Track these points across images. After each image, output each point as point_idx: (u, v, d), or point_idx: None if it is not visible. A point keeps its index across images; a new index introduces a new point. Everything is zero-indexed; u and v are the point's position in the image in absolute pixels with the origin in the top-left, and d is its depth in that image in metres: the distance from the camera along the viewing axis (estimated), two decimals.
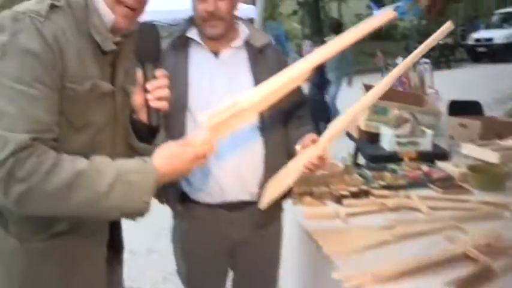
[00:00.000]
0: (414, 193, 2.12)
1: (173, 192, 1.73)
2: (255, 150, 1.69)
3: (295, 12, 22.88)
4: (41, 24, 1.08)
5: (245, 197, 1.70)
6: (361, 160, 4.20)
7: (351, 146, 3.87)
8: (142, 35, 1.32)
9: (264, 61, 1.73)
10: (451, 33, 18.81)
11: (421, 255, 1.57)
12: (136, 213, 1.13)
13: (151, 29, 1.36)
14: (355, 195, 2.09)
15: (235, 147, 1.65)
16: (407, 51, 11.75)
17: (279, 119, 1.74)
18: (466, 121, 3.73)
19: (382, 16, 1.38)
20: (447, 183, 2.28)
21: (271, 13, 20.66)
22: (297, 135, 1.71)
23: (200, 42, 1.71)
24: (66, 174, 1.04)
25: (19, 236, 1.15)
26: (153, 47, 1.32)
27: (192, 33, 1.72)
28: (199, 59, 1.71)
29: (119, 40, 1.22)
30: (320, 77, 6.19)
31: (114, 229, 1.34)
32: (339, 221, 1.88)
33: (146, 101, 1.25)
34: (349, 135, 4.02)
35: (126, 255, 1.45)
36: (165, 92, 1.25)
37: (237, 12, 1.72)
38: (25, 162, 1.02)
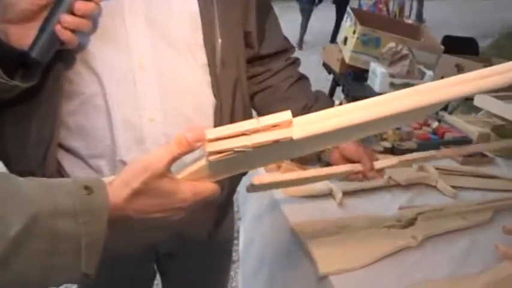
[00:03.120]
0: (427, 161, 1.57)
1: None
2: (203, 104, 0.99)
3: None
4: None
5: None
6: (337, 96, 3.65)
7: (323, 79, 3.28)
8: None
9: None
10: None
11: (459, 273, 1.04)
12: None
13: None
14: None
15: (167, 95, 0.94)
16: None
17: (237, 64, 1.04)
18: (465, 62, 3.16)
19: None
20: (465, 149, 1.74)
21: None
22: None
23: None
24: None
25: None
26: None
27: None
28: None
29: None
30: None
31: None
32: (332, 203, 1.32)
33: (45, 21, 0.77)
34: (326, 66, 3.42)
35: None
36: (86, 24, 0.79)
37: None
38: None
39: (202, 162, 0.59)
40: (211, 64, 0.97)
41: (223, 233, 1.20)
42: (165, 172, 0.59)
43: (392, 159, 1.25)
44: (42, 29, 0.77)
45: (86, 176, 0.94)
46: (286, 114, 0.56)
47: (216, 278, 1.26)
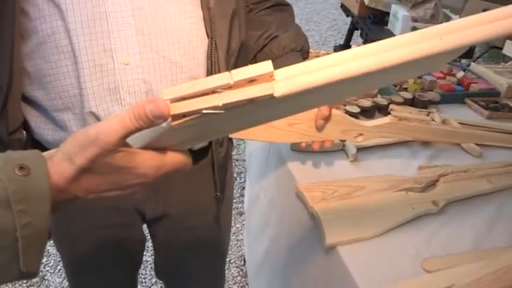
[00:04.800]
0: (451, 114, 1.43)
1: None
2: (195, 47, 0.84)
3: None
4: None
5: None
6: (355, 42, 3.45)
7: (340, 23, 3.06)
8: None
9: None
10: None
11: (484, 245, 0.93)
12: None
13: None
14: (368, 113, 1.38)
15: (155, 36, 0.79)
16: None
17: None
18: (494, 7, 2.89)
19: None
20: (491, 102, 1.59)
21: None
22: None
23: None
24: None
25: None
26: None
27: None
28: None
29: None
30: None
31: None
32: (344, 160, 1.19)
33: None
34: (344, 8, 3.21)
35: None
36: None
37: None
38: None
39: (164, 127, 0.46)
40: None
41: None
42: (118, 147, 0.47)
43: (385, 119, 1.12)
44: None
45: (52, 133, 0.82)
46: (266, 66, 0.42)
47: (212, 241, 1.15)
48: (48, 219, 0.44)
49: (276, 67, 0.42)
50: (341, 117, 1.02)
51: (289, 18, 1.05)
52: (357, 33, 3.15)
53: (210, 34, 0.83)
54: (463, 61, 2.00)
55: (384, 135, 1.14)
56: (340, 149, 1.22)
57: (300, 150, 1.20)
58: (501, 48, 2.16)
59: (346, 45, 3.27)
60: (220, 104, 0.41)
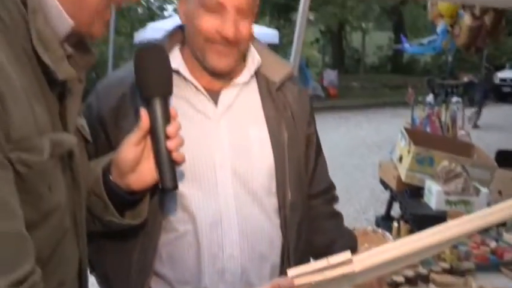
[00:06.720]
0: (487, 282, 1.62)
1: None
2: (272, 243, 1.14)
3: (317, 41, 22.49)
4: None
5: None
6: (394, 211, 3.72)
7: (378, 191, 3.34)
8: (144, 58, 0.94)
9: (284, 103, 1.16)
10: (476, 71, 18.33)
11: None
12: None
13: (157, 50, 0.97)
14: (411, 282, 1.60)
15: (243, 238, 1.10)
16: (430, 87, 11.63)
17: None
18: None
19: None
20: None
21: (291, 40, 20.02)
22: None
23: (190, 78, 1.10)
24: None
25: None
26: (162, 75, 0.94)
27: (177, 63, 1.09)
28: (186, 105, 1.10)
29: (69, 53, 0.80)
30: None
31: None
32: None
33: (158, 154, 0.91)
34: (382, 182, 3.54)
35: None
36: (182, 140, 0.93)
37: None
38: None
39: None
40: (282, 208, 1.14)
41: None
42: None
43: None
44: (159, 164, 0.91)
45: None
46: (348, 254, 0.75)
47: None
48: None
49: None
50: None
51: (338, 225, 1.33)
52: (395, 204, 3.44)
53: (285, 234, 1.14)
54: (499, 229, 2.17)
55: None
56: None
57: None
58: None
59: (387, 216, 3.55)
60: (324, 278, 0.73)
